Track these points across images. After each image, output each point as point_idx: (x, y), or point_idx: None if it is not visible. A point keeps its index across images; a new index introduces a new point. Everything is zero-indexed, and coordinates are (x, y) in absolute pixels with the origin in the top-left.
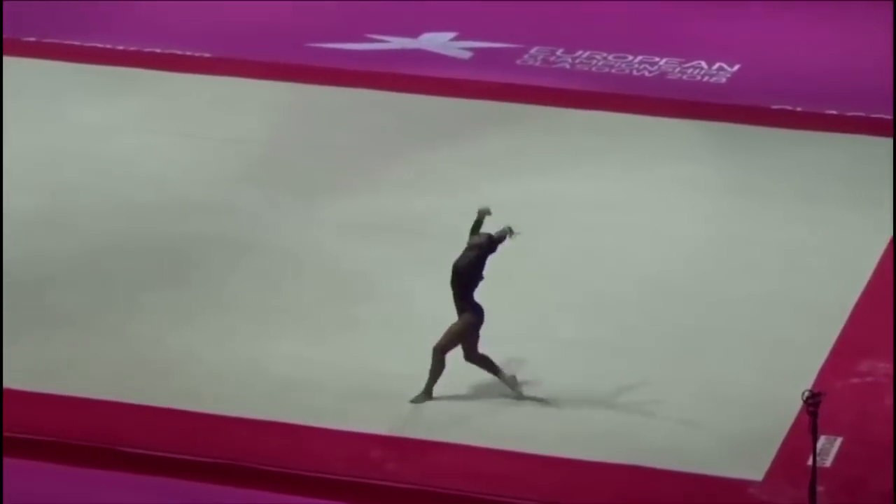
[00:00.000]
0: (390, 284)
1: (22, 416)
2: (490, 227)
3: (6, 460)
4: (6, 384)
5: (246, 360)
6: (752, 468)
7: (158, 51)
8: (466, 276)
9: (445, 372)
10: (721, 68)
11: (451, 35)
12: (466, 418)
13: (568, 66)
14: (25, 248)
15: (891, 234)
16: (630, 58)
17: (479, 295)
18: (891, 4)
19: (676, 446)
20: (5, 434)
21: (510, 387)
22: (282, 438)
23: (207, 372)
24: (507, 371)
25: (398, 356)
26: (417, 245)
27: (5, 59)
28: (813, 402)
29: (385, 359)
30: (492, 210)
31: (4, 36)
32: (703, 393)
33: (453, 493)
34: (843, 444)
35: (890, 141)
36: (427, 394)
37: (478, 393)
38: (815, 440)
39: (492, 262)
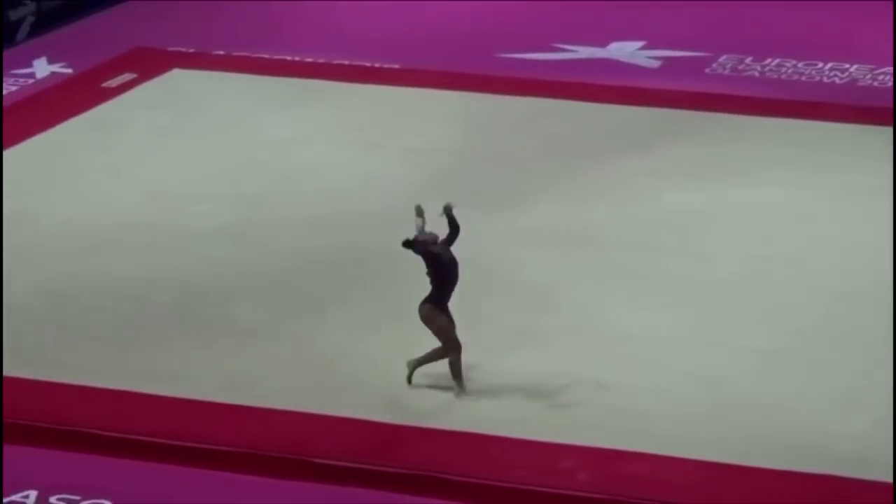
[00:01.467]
0: (572, 295)
1: (212, 428)
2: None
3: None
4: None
5: (430, 370)
6: None
7: (346, 62)
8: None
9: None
10: None
11: (640, 44)
12: (653, 429)
13: (757, 74)
14: (212, 260)
15: None
16: (820, 65)
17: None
18: None
19: (865, 455)
20: (204, 446)
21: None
22: (467, 448)
23: (393, 382)
24: None
25: (578, 366)
26: (599, 254)
27: (196, 72)
28: None
29: (565, 368)
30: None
31: (194, 50)
32: (881, 398)
33: (636, 502)
34: None
35: None
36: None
37: (658, 401)
38: None
39: (671, 269)
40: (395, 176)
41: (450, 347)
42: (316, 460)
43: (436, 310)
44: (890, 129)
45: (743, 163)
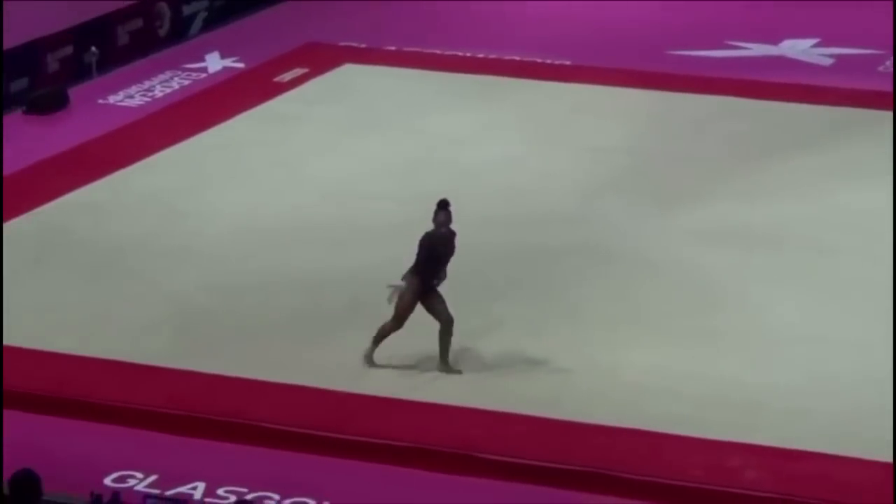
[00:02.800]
0: (746, 294)
1: (380, 421)
2: None
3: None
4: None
5: (602, 367)
6: None
7: (518, 59)
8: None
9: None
10: None
11: (813, 41)
12: (832, 429)
13: None
14: (383, 257)
15: None
16: None
17: None
18: None
19: None
20: (366, 439)
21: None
22: (641, 446)
23: (564, 379)
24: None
25: (750, 366)
26: (774, 254)
27: (368, 67)
28: None
29: (737, 368)
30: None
31: (365, 45)
32: None
33: (814, 502)
34: None
35: None
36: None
37: (837, 402)
38: None
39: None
40: (571, 174)
41: (447, 319)
42: (484, 456)
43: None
44: None
45: None
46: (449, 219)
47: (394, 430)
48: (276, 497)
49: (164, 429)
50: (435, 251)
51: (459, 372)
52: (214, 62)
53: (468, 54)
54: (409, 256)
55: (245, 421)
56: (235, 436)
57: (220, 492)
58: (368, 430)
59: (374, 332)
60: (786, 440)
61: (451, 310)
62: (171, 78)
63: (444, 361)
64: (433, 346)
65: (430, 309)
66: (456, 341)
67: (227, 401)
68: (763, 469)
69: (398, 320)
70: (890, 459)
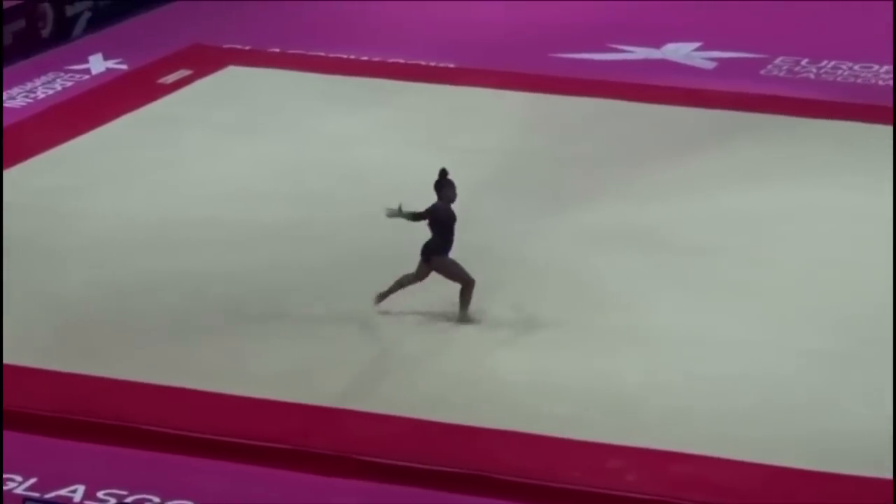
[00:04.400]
0: (627, 295)
1: (266, 423)
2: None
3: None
4: None
5: (483, 368)
6: None
7: (402, 61)
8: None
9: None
10: None
11: (695, 45)
12: (711, 431)
13: (813, 76)
14: (269, 257)
15: None
16: (876, 67)
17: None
18: None
19: None
20: (250, 442)
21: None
22: (517, 447)
23: (444, 380)
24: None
25: (630, 366)
26: (655, 255)
27: (251, 69)
28: None
29: (617, 368)
30: None
31: (249, 47)
32: None
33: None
34: None
35: None
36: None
37: (717, 403)
38: None
39: (731, 270)
40: (455, 175)
41: (467, 280)
42: (363, 458)
43: (444, 258)
44: None
45: (801, 165)
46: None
47: (273, 432)
48: (157, 499)
49: (44, 431)
50: (450, 222)
51: (477, 321)
52: (97, 64)
53: (352, 57)
54: (295, 256)
55: (126, 423)
56: (116, 438)
57: (101, 494)
58: (247, 431)
59: (258, 334)
60: (666, 441)
61: (333, 310)
62: (54, 79)
63: (464, 313)
64: (318, 349)
65: (449, 276)
66: (334, 343)
67: (107, 403)
68: (642, 471)
69: (467, 277)
70: (767, 461)
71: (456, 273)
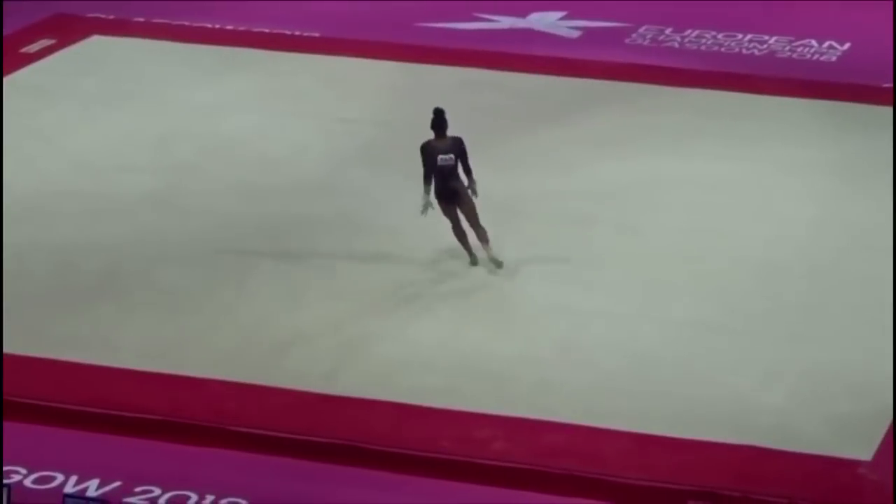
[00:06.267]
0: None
1: (133, 394)
2: None
3: (129, 439)
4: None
5: (354, 339)
6: (862, 447)
7: (267, 31)
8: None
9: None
10: (831, 47)
11: (560, 14)
12: (581, 400)
13: (677, 45)
14: (137, 228)
15: None
16: (740, 36)
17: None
18: None
19: (785, 426)
20: (124, 414)
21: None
22: (390, 418)
23: (316, 352)
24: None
25: (500, 337)
26: (525, 225)
27: (116, 38)
28: None
29: (487, 338)
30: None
31: (113, 17)
32: (812, 372)
33: (561, 473)
34: None
35: None
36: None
37: (587, 373)
38: None
39: (600, 240)
40: (321, 145)
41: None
42: (236, 428)
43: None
44: (817, 102)
45: (668, 134)
46: (441, 125)
47: (144, 403)
48: (24, 471)
49: None
50: (429, 160)
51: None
52: None
53: (217, 26)
54: (163, 226)
55: None
56: None
57: None
58: (117, 402)
59: (127, 304)
60: (536, 411)
61: (205, 280)
62: None
63: (488, 252)
64: (188, 320)
65: (465, 216)
66: (205, 313)
67: None
68: (512, 440)
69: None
70: (635, 429)
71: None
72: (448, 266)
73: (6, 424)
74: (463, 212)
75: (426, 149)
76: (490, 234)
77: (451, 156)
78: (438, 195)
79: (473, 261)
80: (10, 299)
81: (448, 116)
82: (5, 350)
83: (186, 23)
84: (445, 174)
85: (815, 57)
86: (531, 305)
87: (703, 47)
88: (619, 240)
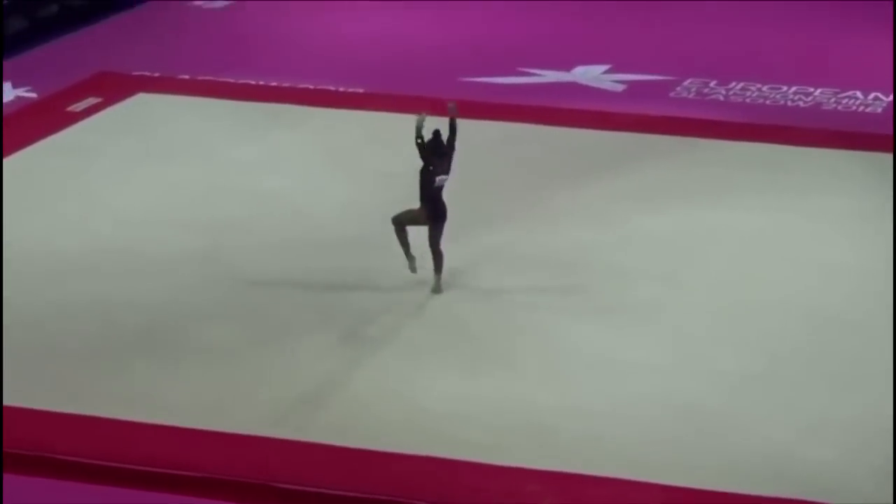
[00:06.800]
0: (540, 318)
1: (177, 451)
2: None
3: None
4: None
5: (399, 393)
6: None
7: (311, 86)
8: (421, 178)
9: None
10: (877, 98)
11: (604, 68)
12: (627, 453)
13: (722, 98)
14: (180, 285)
15: None
16: (784, 88)
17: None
18: None
19: (831, 478)
20: (171, 472)
21: (435, 285)
22: (436, 473)
23: (361, 407)
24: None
25: (544, 390)
26: (570, 278)
27: (161, 96)
28: None
29: (531, 392)
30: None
31: (159, 75)
32: (858, 423)
33: None
34: None
35: None
36: (410, 258)
37: (631, 425)
38: None
39: (642, 292)
40: (367, 200)
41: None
42: (281, 485)
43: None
44: (861, 154)
45: (713, 186)
46: (439, 147)
47: (190, 459)
48: None
49: None
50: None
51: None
52: (6, 92)
53: (262, 83)
54: (206, 283)
55: (39, 453)
56: (31, 468)
57: None
58: (163, 460)
59: (166, 361)
60: (583, 465)
61: (250, 336)
62: None
63: (436, 280)
64: (231, 376)
65: (432, 236)
66: (248, 370)
67: (19, 432)
68: (560, 495)
69: (438, 248)
70: (682, 483)
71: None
72: (494, 319)
73: (48, 482)
74: (435, 231)
75: (424, 174)
76: (518, 281)
77: (446, 176)
78: (427, 213)
79: (412, 266)
80: (54, 357)
81: (490, 169)
82: (49, 408)
83: (231, 79)
84: (436, 195)
85: (861, 108)
86: (575, 357)
87: (747, 100)
88: (662, 291)
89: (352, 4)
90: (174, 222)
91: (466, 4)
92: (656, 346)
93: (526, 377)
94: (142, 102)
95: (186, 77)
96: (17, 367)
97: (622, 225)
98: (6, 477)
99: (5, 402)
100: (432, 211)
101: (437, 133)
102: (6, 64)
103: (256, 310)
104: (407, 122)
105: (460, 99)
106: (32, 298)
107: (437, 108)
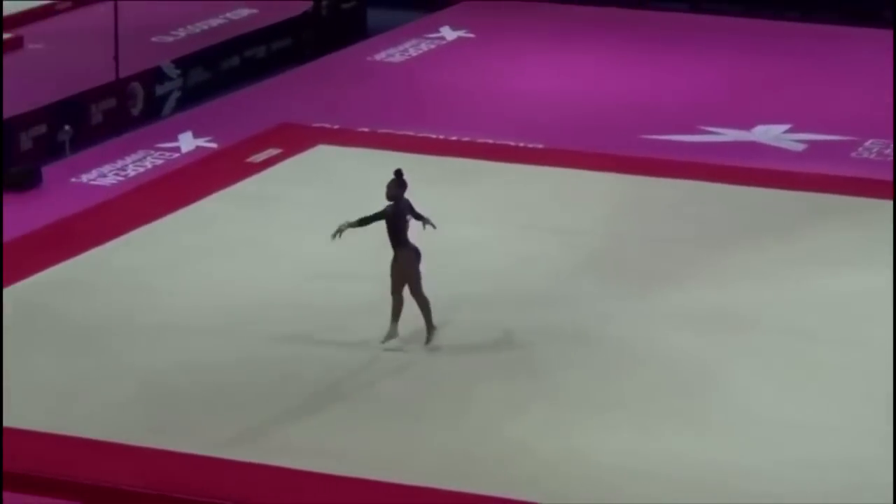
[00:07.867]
0: (722, 377)
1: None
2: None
3: None
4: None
5: (577, 449)
6: None
7: (491, 141)
8: (392, 222)
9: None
10: None
11: (785, 127)
12: None
13: None
14: (357, 334)
15: None
16: None
17: None
18: None
19: None
20: None
21: (428, 336)
22: None
23: (539, 461)
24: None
25: (728, 449)
26: (751, 338)
27: (341, 148)
28: None
29: (716, 452)
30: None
31: (338, 127)
32: None
33: None
34: None
35: None
36: (393, 331)
37: (814, 488)
38: None
39: (822, 353)
40: (546, 257)
41: (393, 289)
42: None
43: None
44: None
45: (891, 248)
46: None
47: None
48: None
49: None
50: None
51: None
52: (187, 142)
53: (441, 137)
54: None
55: (218, 500)
56: None
57: None
58: None
59: (352, 411)
60: None
61: (428, 389)
62: (144, 157)
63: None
64: (414, 428)
65: (408, 278)
66: (432, 421)
67: (200, 480)
68: None
69: (421, 293)
70: None
71: (414, 279)
72: (674, 378)
73: None
74: (417, 273)
75: (395, 210)
76: (696, 339)
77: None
78: (415, 253)
79: (392, 332)
80: (232, 408)
81: (671, 227)
82: (233, 457)
83: (410, 133)
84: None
85: None
86: (757, 418)
87: None
88: (841, 352)
89: (522, 61)
90: (353, 274)
91: (643, 59)
92: (838, 407)
93: (706, 435)
94: (322, 154)
95: (366, 129)
96: (190, 418)
97: (805, 284)
98: None
99: (194, 451)
100: (413, 249)
101: (398, 172)
102: (188, 114)
103: (434, 364)
104: (587, 178)
105: (641, 156)
106: (208, 348)
107: (622, 165)
